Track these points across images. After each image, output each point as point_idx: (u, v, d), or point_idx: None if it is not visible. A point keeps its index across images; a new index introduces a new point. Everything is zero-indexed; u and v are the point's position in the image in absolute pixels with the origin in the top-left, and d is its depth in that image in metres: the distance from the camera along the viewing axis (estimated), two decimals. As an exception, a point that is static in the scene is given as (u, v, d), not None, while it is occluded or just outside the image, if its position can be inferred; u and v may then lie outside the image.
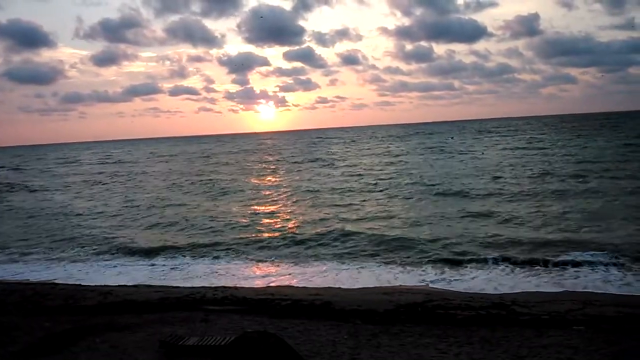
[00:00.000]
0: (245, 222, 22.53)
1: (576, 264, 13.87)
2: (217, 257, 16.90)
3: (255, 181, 39.42)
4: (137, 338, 8.88)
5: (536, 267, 13.87)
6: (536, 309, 9.87)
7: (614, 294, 11.47)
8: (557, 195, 24.48)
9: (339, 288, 12.89)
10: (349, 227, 19.54)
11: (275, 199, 29.33)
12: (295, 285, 13.52)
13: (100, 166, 70.13)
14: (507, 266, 14.11)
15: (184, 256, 17.32)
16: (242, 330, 8.16)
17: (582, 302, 10.27)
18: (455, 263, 14.70)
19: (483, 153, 50.61)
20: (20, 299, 12.02)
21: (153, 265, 16.59)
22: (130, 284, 14.07)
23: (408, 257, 15.47)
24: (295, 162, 55.57)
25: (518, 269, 13.87)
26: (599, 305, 10.03)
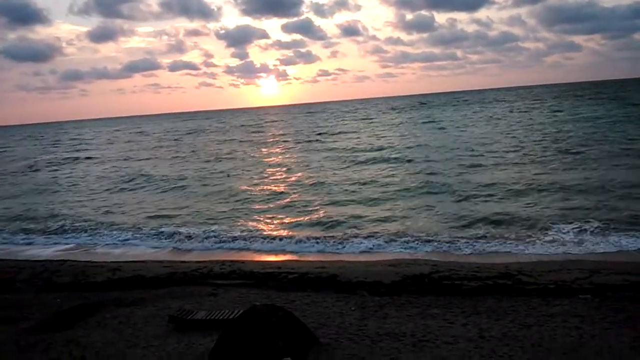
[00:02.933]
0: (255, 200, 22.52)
1: (580, 232, 13.91)
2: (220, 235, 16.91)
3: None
4: (146, 313, 8.97)
5: (537, 236, 13.93)
6: (542, 278, 9.90)
7: (620, 261, 11.46)
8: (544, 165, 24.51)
9: (345, 260, 12.95)
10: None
11: (284, 176, 29.14)
12: (302, 259, 13.60)
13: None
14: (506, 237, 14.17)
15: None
16: (249, 303, 8.22)
17: (589, 271, 10.29)
18: (462, 234, 14.74)
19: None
20: (30, 276, 12.18)
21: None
22: (139, 259, 14.22)
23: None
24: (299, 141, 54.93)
25: (521, 239, 13.91)
26: (605, 273, 10.04)
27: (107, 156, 49.34)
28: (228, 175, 29.74)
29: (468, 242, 13.93)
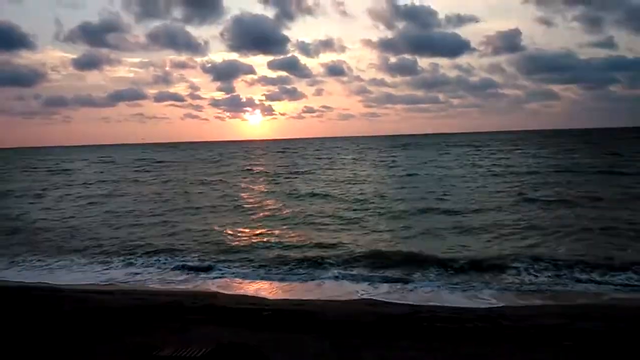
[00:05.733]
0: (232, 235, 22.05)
1: (556, 275, 13.76)
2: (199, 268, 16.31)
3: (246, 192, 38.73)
4: (110, 348, 8.44)
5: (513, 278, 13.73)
6: (524, 323, 9.63)
7: (603, 305, 11.27)
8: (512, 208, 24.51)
9: (321, 299, 12.53)
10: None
11: (264, 209, 28.73)
12: (277, 296, 13.11)
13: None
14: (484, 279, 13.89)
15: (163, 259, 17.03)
16: (220, 340, 7.77)
17: (571, 316, 10.07)
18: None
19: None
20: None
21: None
22: (107, 289, 13.61)
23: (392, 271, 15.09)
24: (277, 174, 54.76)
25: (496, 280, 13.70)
26: (588, 319, 9.82)
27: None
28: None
29: (448, 284, 13.63)
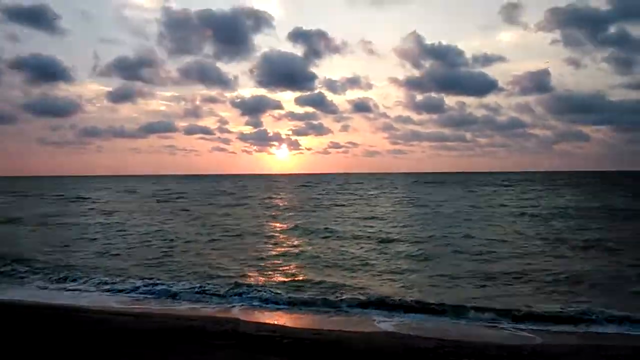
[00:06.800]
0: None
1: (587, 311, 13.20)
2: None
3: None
4: (129, 368, 8.34)
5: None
6: (557, 362, 9.19)
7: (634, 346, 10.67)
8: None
9: (343, 330, 12.23)
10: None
11: (279, 242, 28.61)
12: (297, 325, 12.85)
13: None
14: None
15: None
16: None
17: (607, 357, 9.55)
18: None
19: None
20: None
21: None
22: (128, 311, 13.58)
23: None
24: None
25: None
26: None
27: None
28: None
29: (474, 317, 13.20)
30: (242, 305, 14.85)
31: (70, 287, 17.37)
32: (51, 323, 11.59)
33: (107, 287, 17.17)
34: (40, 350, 9.30)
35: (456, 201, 56.11)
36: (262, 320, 13.05)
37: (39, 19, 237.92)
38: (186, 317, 12.93)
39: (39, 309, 13.47)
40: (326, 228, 31.91)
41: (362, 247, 24.64)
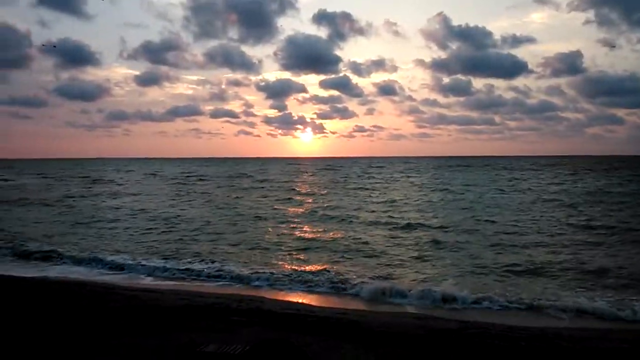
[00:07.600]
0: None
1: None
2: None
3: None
4: (156, 343, 8.58)
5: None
6: (581, 345, 9.07)
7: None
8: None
9: (367, 310, 12.32)
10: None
11: (304, 225, 28.73)
12: (322, 304, 13.00)
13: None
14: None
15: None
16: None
17: (634, 342, 9.40)
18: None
19: None
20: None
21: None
22: (156, 288, 13.95)
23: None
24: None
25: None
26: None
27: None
28: None
29: (498, 301, 13.11)
30: (266, 285, 15.08)
31: (99, 267, 17.95)
32: (91, 298, 12.00)
33: (135, 266, 17.67)
34: (83, 321, 9.65)
35: (483, 186, 55.28)
36: (286, 299, 13.24)
37: (67, 3, 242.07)
38: (211, 294, 13.20)
39: (81, 285, 13.94)
40: (347, 214, 31.87)
41: (380, 234, 24.45)
